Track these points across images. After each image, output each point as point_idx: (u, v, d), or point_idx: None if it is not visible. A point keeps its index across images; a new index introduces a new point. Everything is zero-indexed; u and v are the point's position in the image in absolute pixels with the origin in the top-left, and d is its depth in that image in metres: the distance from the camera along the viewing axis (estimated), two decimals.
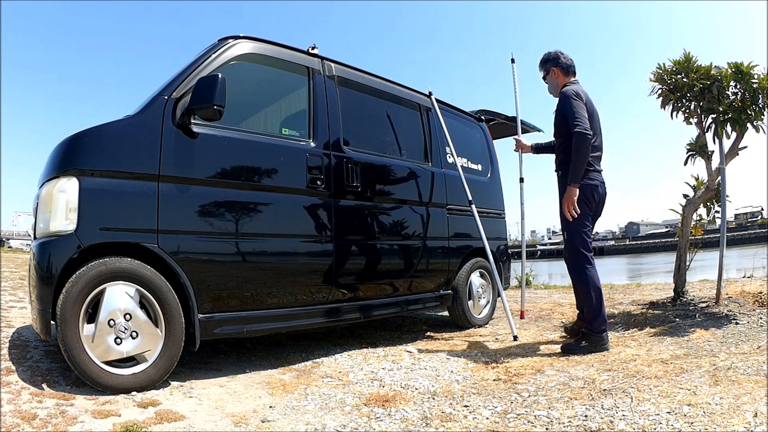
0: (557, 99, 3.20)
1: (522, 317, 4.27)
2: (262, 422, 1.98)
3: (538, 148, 3.72)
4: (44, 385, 2.13)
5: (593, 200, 3.08)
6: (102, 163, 2.23)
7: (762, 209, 69.90)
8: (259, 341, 3.44)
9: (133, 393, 2.15)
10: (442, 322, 4.42)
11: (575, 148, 2.94)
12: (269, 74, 3.13)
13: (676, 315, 3.50)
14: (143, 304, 2.26)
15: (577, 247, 3.07)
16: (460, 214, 3.98)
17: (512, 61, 4.28)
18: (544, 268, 16.25)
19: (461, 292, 3.95)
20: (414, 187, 3.66)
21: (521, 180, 4.24)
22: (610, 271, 17.67)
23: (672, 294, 4.00)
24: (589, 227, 3.11)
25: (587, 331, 3.01)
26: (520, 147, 3.85)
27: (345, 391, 2.39)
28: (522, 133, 4.30)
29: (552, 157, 3.38)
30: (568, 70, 3.24)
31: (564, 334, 3.51)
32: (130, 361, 2.22)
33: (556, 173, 3.27)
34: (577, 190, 2.98)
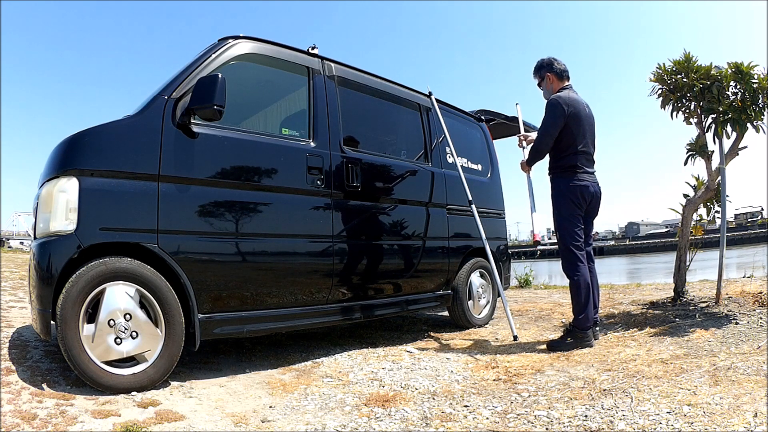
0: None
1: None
2: (262, 422, 1.99)
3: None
4: (44, 385, 2.13)
5: (583, 200, 3.15)
6: (102, 163, 2.23)
7: (762, 209, 69.87)
8: (259, 341, 3.44)
9: (133, 393, 2.15)
10: (442, 322, 4.41)
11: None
12: (269, 74, 3.13)
13: (676, 315, 3.50)
14: (143, 304, 2.26)
15: (568, 246, 3.14)
16: (460, 214, 3.98)
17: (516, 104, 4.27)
18: (544, 268, 16.23)
19: (461, 292, 3.95)
20: (414, 187, 3.66)
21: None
22: (610, 271, 17.64)
23: (672, 294, 4.00)
24: (580, 227, 3.17)
25: (572, 328, 3.10)
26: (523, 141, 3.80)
27: (345, 391, 2.38)
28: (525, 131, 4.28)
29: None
30: (562, 75, 3.30)
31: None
32: (130, 361, 2.22)
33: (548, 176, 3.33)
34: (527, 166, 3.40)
